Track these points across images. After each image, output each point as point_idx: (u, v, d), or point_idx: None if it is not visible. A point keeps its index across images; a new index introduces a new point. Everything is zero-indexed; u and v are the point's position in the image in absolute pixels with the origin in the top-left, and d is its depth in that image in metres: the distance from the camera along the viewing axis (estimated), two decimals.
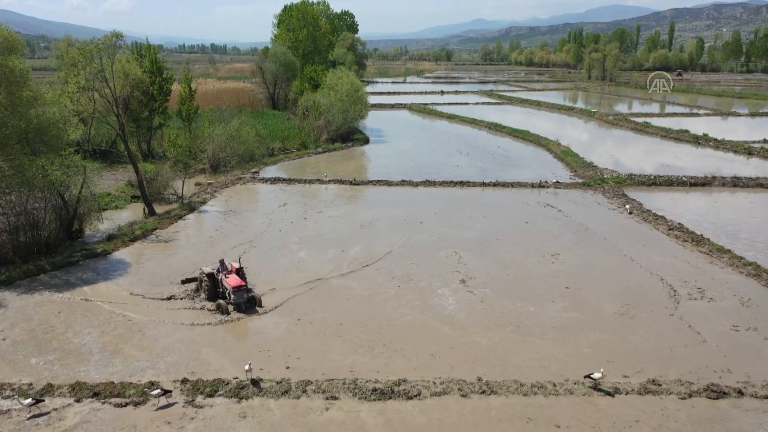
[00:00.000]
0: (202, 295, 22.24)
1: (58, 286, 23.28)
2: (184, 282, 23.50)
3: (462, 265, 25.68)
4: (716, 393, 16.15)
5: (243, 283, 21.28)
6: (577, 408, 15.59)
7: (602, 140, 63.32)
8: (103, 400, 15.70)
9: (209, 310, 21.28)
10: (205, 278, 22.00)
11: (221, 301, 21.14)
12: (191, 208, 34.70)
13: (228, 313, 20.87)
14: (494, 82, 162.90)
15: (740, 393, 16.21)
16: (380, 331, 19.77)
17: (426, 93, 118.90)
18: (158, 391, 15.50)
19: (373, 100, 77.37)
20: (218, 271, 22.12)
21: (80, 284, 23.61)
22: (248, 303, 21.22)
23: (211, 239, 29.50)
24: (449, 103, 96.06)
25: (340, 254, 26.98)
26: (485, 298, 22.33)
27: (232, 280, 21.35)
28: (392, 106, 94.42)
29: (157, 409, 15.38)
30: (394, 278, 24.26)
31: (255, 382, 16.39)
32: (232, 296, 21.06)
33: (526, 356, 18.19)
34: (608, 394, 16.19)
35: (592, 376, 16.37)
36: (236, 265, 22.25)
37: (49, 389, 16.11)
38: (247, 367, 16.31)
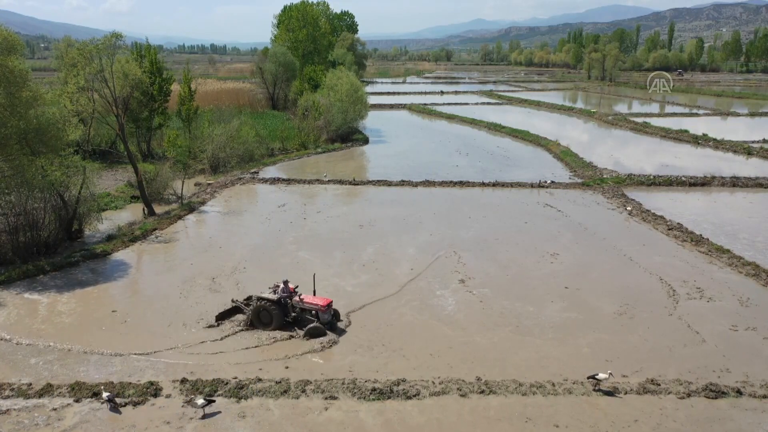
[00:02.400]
0: (259, 326, 19.71)
1: (58, 287, 23.27)
2: (219, 319, 20.21)
3: (461, 265, 25.69)
4: (715, 393, 16.16)
5: (331, 300, 20.06)
6: (576, 408, 15.60)
7: (602, 140, 63.35)
8: (102, 400, 15.70)
9: (288, 337, 19.31)
10: (272, 306, 19.53)
11: (317, 325, 19.21)
12: (191, 208, 34.71)
13: (325, 335, 19.20)
14: (494, 82, 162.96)
15: (739, 392, 16.22)
16: (379, 331, 19.78)
17: (426, 93, 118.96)
18: (107, 394, 15.45)
19: (372, 100, 77.40)
20: (281, 292, 19.90)
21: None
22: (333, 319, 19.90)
23: (211, 239, 29.52)
24: (449, 104, 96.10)
25: (351, 258, 26.76)
26: (484, 298, 22.34)
27: (317, 299, 19.88)
28: (392, 107, 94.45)
29: (111, 408, 15.41)
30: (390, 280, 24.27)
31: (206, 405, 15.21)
32: (322, 316, 19.47)
33: (525, 356, 18.20)
34: (608, 394, 16.19)
35: (596, 376, 16.31)
36: (292, 286, 20.49)
37: (48, 389, 16.11)
38: (200, 402, 15.12)
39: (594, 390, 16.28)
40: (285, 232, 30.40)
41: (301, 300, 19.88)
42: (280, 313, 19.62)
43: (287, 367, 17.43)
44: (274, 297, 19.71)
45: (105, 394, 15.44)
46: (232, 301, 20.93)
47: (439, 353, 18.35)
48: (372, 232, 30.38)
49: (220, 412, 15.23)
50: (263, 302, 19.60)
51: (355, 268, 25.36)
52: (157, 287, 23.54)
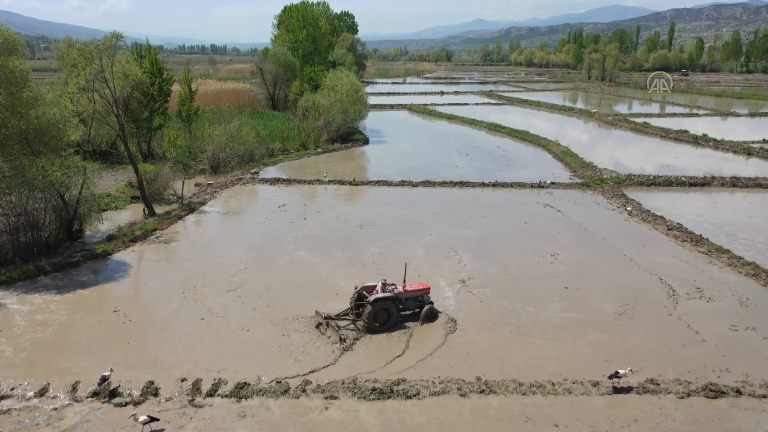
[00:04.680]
0: (376, 328, 19.69)
1: (59, 288, 23.29)
2: (342, 338, 19.08)
3: (461, 265, 25.70)
4: (714, 392, 16.19)
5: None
6: (576, 407, 15.63)
7: (602, 140, 63.38)
8: (102, 400, 15.74)
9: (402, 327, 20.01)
10: (390, 303, 19.93)
11: (431, 306, 20.60)
12: (191, 208, 34.73)
13: (438, 316, 20.66)
14: (494, 82, 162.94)
15: (738, 392, 16.26)
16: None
17: (426, 93, 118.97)
18: (107, 373, 16.03)
19: (372, 100, 77.43)
20: (381, 290, 20.26)
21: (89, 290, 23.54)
22: None
23: (211, 240, 29.55)
24: (449, 104, 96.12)
25: (354, 260, 26.73)
26: (484, 298, 22.36)
27: (418, 285, 21.21)
28: (392, 107, 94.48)
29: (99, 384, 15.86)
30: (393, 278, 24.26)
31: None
32: (426, 298, 20.87)
33: (524, 356, 18.23)
34: (626, 391, 16.19)
35: (617, 373, 16.31)
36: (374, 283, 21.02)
37: (48, 389, 16.14)
38: (142, 418, 14.34)
39: (614, 387, 16.26)
40: (285, 232, 30.42)
41: (405, 290, 20.71)
42: (396, 308, 20.16)
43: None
44: (389, 293, 20.08)
45: (107, 372, 15.99)
46: (325, 317, 19.88)
47: (439, 353, 18.37)
48: (372, 233, 30.38)
49: (163, 429, 14.65)
50: (382, 302, 19.70)
51: (364, 270, 25.22)
52: (158, 288, 23.55)
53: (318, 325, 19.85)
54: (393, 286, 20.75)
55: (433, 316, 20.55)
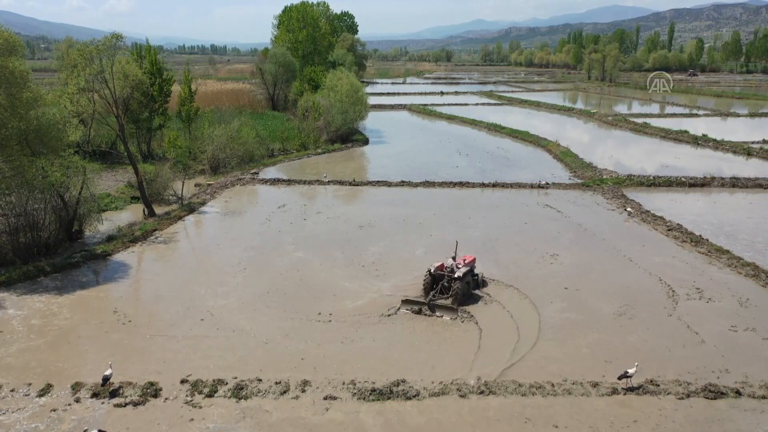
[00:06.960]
0: (459, 297, 21.54)
1: (59, 289, 23.29)
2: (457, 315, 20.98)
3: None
4: (714, 393, 16.19)
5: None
6: (576, 408, 15.63)
7: (602, 141, 63.40)
8: (102, 401, 15.74)
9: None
10: (469, 277, 22.27)
11: (481, 274, 23.57)
12: (191, 209, 34.73)
13: None
14: (494, 82, 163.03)
15: (738, 393, 16.26)
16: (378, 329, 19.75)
17: (426, 94, 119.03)
18: (109, 372, 16.02)
19: (372, 100, 77.42)
20: (456, 266, 22.26)
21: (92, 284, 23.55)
22: None
23: (211, 240, 29.55)
24: (449, 104, 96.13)
25: (355, 260, 26.74)
26: (484, 299, 22.32)
27: (468, 256, 23.53)
28: (392, 107, 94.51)
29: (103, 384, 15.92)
30: (394, 277, 24.27)
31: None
32: (474, 267, 23.25)
33: (524, 356, 18.20)
34: (636, 389, 16.24)
35: (627, 373, 16.32)
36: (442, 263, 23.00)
37: (48, 389, 16.14)
38: None
39: (624, 388, 16.27)
40: (285, 232, 30.43)
41: (465, 263, 22.65)
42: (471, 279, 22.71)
43: (295, 367, 17.42)
44: (467, 267, 22.26)
45: (108, 372, 15.95)
46: (429, 301, 21.30)
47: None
48: (372, 233, 30.36)
49: None
50: (466, 276, 21.86)
51: (364, 271, 25.22)
52: (158, 288, 23.53)
53: (419, 311, 20.99)
54: (457, 263, 22.42)
55: (484, 282, 23.38)
